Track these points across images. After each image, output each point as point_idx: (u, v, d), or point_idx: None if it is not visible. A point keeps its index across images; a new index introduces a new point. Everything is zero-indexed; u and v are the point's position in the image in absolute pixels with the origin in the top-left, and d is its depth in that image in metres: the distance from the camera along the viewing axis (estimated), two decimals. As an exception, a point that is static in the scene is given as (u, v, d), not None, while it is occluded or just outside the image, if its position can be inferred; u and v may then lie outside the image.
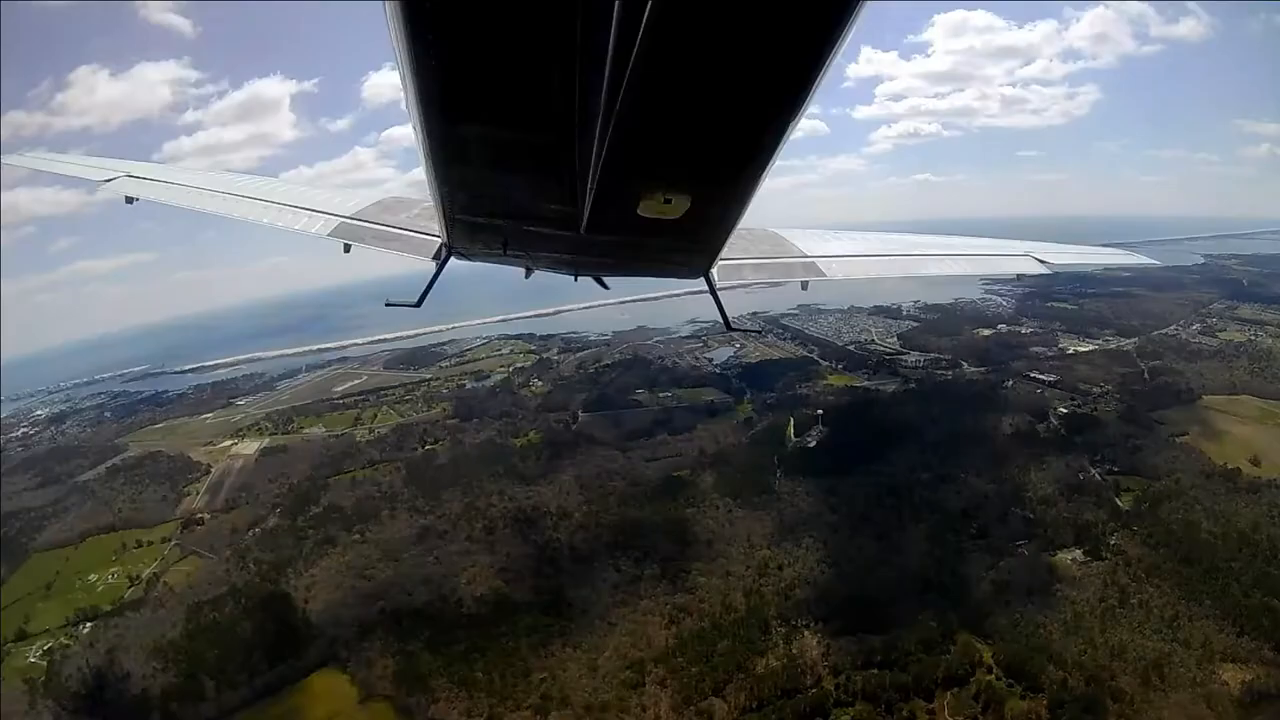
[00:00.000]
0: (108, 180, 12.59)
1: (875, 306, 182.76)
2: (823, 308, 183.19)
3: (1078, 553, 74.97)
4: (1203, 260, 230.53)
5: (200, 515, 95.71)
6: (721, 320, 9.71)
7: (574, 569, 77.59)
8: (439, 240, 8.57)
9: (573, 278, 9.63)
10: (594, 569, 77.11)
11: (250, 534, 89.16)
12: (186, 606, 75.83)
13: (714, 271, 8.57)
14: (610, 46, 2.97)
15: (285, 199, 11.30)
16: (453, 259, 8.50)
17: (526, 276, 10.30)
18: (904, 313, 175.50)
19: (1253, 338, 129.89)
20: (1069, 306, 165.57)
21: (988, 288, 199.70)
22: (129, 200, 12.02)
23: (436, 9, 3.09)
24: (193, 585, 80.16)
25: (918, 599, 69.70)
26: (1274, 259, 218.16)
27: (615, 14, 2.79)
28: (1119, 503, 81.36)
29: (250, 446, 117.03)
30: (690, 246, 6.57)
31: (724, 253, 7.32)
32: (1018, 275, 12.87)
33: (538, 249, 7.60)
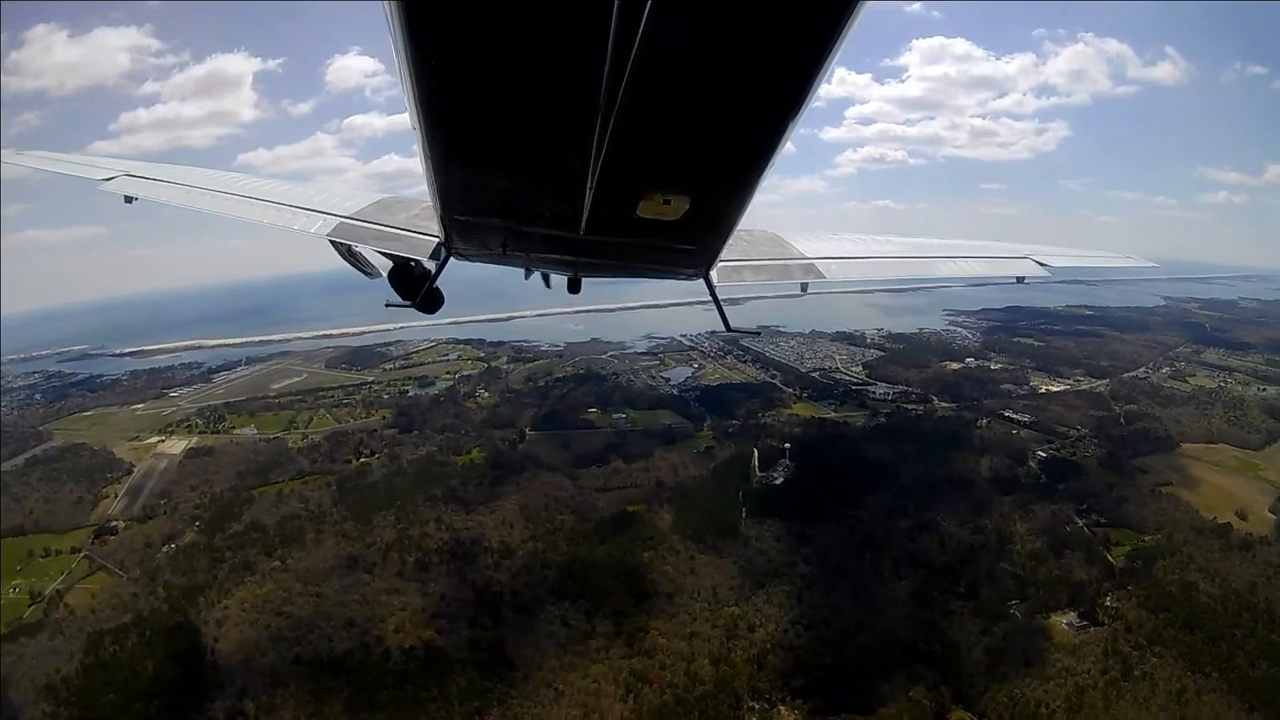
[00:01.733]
0: (107, 179, 12.10)
1: (838, 332, 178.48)
2: (783, 330, 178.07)
3: (1073, 615, 69.99)
4: (1164, 302, 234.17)
5: (115, 523, 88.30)
6: (721, 321, 9.59)
7: (516, 620, 68.36)
8: (438, 240, 8.63)
9: (523, 276, 10.01)
10: (539, 621, 68.00)
11: (164, 550, 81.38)
12: (87, 635, 67.02)
13: (713, 273, 8.30)
14: (609, 46, 2.94)
15: (285, 199, 10.89)
16: (452, 259, 8.31)
17: (526, 277, 10.41)
18: (868, 340, 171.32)
19: (1223, 384, 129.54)
20: (1036, 343, 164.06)
21: (951, 319, 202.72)
22: (128, 200, 11.71)
23: (437, 9, 3.07)
24: (96, 608, 71.66)
25: (905, 669, 61.96)
26: (1231, 304, 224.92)
27: (614, 14, 2.77)
28: (1111, 559, 77.07)
29: (177, 445, 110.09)
30: (689, 248, 6.46)
31: (723, 254, 7.33)
32: (1018, 278, 11.76)
33: (537, 250, 7.34)
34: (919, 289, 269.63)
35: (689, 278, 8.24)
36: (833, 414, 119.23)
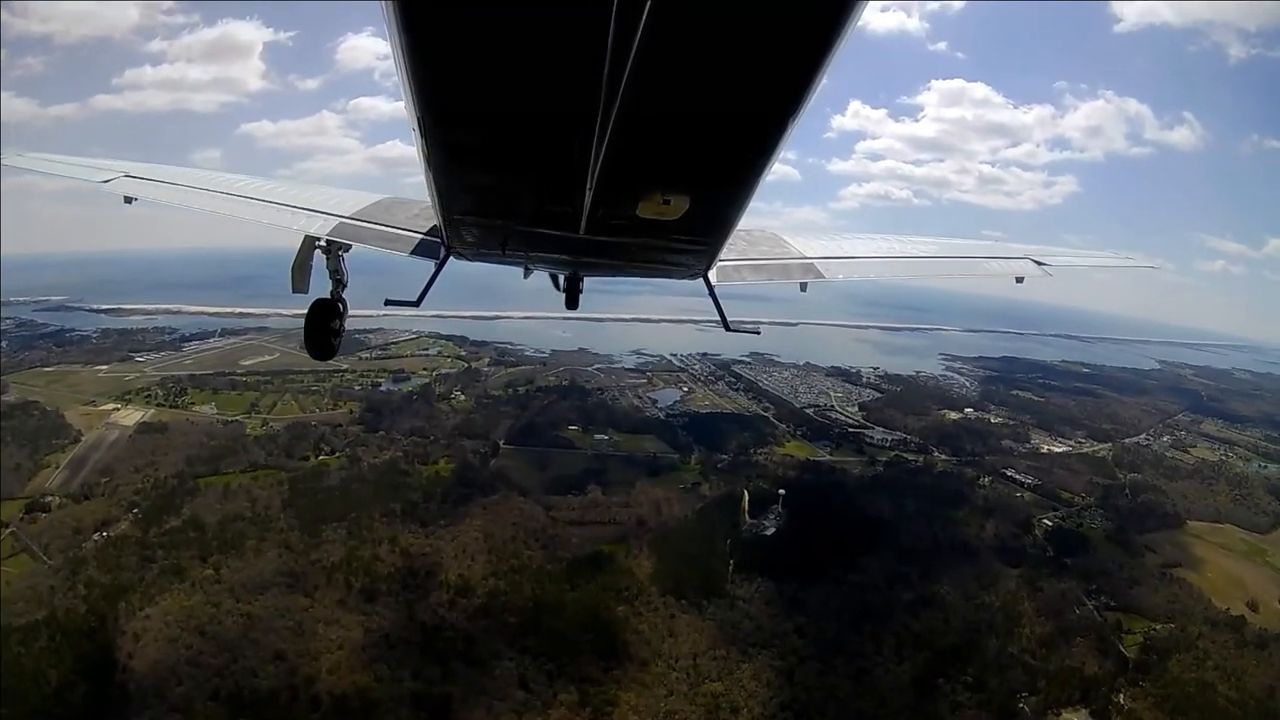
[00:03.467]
0: (106, 180, 11.33)
1: (833, 367, 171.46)
2: (776, 359, 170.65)
3: (1085, 714, 65.41)
4: (1158, 365, 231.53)
5: (49, 498, 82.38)
6: (720, 321, 9.13)
7: (467, 674, 60.74)
8: (438, 240, 8.59)
9: (522, 275, 9.92)
10: (493, 679, 60.45)
11: (95, 538, 75.44)
12: (-3, 629, 59.83)
13: (713, 273, 8.36)
14: (609, 46, 2.93)
15: (285, 199, 10.63)
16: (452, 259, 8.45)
17: (526, 276, 10.29)
18: (864, 379, 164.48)
19: (1224, 458, 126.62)
20: (1035, 398, 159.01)
21: (948, 364, 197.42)
22: (127, 200, 11.16)
23: (436, 8, 3.08)
24: (9, 598, 64.99)
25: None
26: (1225, 374, 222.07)
27: (614, 13, 2.76)
28: (1123, 650, 72.60)
29: (131, 416, 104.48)
30: (689, 247, 6.45)
31: (723, 254, 7.45)
32: (1017, 279, 11.20)
33: (536, 250, 7.42)
34: (916, 329, 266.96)
35: (689, 277, 8.24)
36: (828, 457, 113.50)
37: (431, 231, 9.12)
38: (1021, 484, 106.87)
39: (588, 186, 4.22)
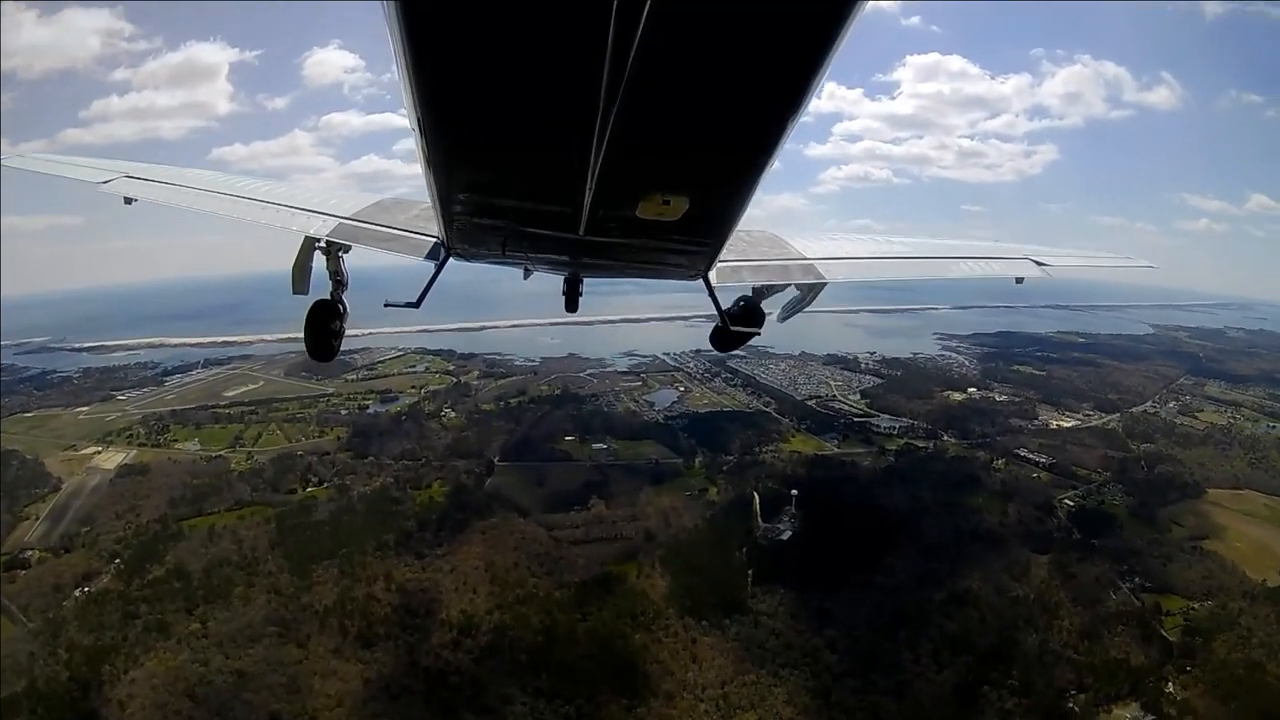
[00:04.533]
0: (106, 181, 11.37)
1: (829, 355, 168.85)
2: (771, 351, 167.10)
3: (1135, 708, 62.31)
4: (1152, 330, 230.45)
5: (29, 553, 79.29)
6: (721, 321, 9.59)
7: (479, 724, 55.36)
8: (438, 241, 8.62)
9: (522, 276, 9.87)
10: (507, 728, 55.11)
11: (76, 595, 72.01)
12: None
13: (712, 273, 8.00)
14: (609, 46, 2.93)
15: (284, 199, 10.64)
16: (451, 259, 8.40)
17: (525, 277, 9.94)
18: (862, 365, 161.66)
19: (1233, 421, 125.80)
20: (1036, 372, 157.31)
21: (944, 343, 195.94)
22: (128, 201, 11.12)
23: (435, 9, 3.07)
24: None
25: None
26: (1219, 334, 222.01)
27: (613, 14, 2.75)
28: (1165, 634, 69.78)
29: (113, 459, 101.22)
30: (689, 248, 6.45)
31: (722, 254, 7.34)
32: (1017, 279, 11.12)
33: (536, 250, 7.35)
34: (906, 310, 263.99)
35: (689, 278, 8.02)
36: (836, 449, 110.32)
37: (431, 232, 9.10)
38: (1036, 463, 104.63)
39: (587, 187, 4.20)
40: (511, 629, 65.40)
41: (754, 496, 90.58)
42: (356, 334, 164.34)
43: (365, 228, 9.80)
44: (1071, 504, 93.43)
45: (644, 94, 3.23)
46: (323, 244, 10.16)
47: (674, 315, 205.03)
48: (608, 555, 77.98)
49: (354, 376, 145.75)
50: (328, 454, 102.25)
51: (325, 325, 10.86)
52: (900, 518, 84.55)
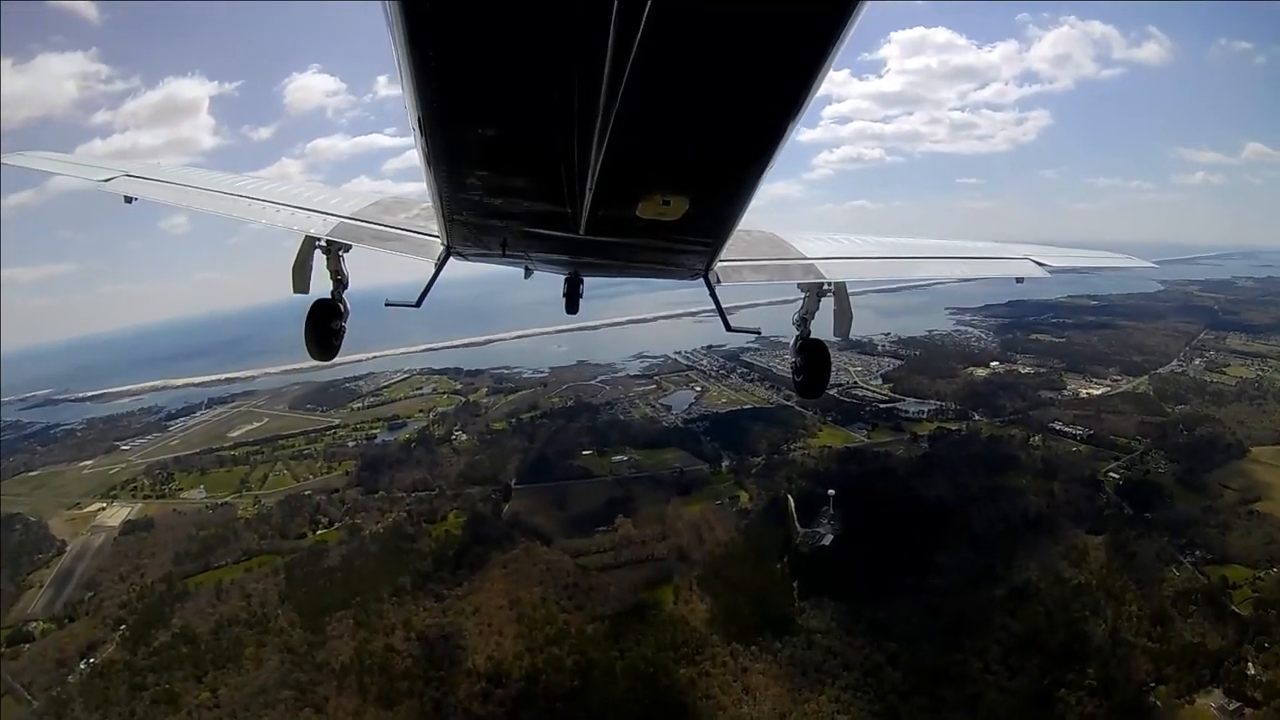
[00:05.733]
0: (107, 180, 11.29)
1: (843, 340, 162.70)
2: (783, 340, 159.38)
3: (1219, 694, 59.08)
4: (1162, 287, 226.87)
5: (32, 625, 77.42)
6: (721, 321, 9.32)
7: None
8: (438, 241, 8.16)
9: (523, 276, 9.72)
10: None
11: (81, 668, 69.30)
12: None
13: (713, 273, 8.10)
14: (609, 46, 2.92)
15: (284, 199, 10.60)
16: (451, 260, 8.29)
17: (526, 277, 9.71)
18: (879, 348, 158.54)
19: (1262, 373, 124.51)
20: (1056, 340, 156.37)
21: (957, 318, 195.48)
22: (128, 200, 11.18)
23: (436, 9, 3.06)
24: None
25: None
26: (1228, 285, 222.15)
27: (614, 14, 2.75)
28: (1236, 609, 66.57)
29: (117, 515, 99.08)
30: (689, 248, 6.33)
31: (723, 254, 7.29)
32: (1017, 279, 10.90)
33: (537, 250, 7.18)
34: (913, 288, 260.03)
35: (689, 278, 7.98)
36: (866, 440, 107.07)
37: (431, 232, 8.88)
38: (1073, 436, 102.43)
39: (588, 187, 4.18)
40: (544, 673, 61.50)
41: (788, 500, 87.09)
42: (359, 359, 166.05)
43: (365, 227, 9.78)
44: (1117, 477, 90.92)
45: (644, 94, 3.19)
46: (323, 243, 10.06)
47: (681, 312, 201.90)
48: (640, 580, 74.30)
49: (360, 405, 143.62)
50: (336, 491, 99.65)
51: (325, 324, 10.58)
52: (944, 509, 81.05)
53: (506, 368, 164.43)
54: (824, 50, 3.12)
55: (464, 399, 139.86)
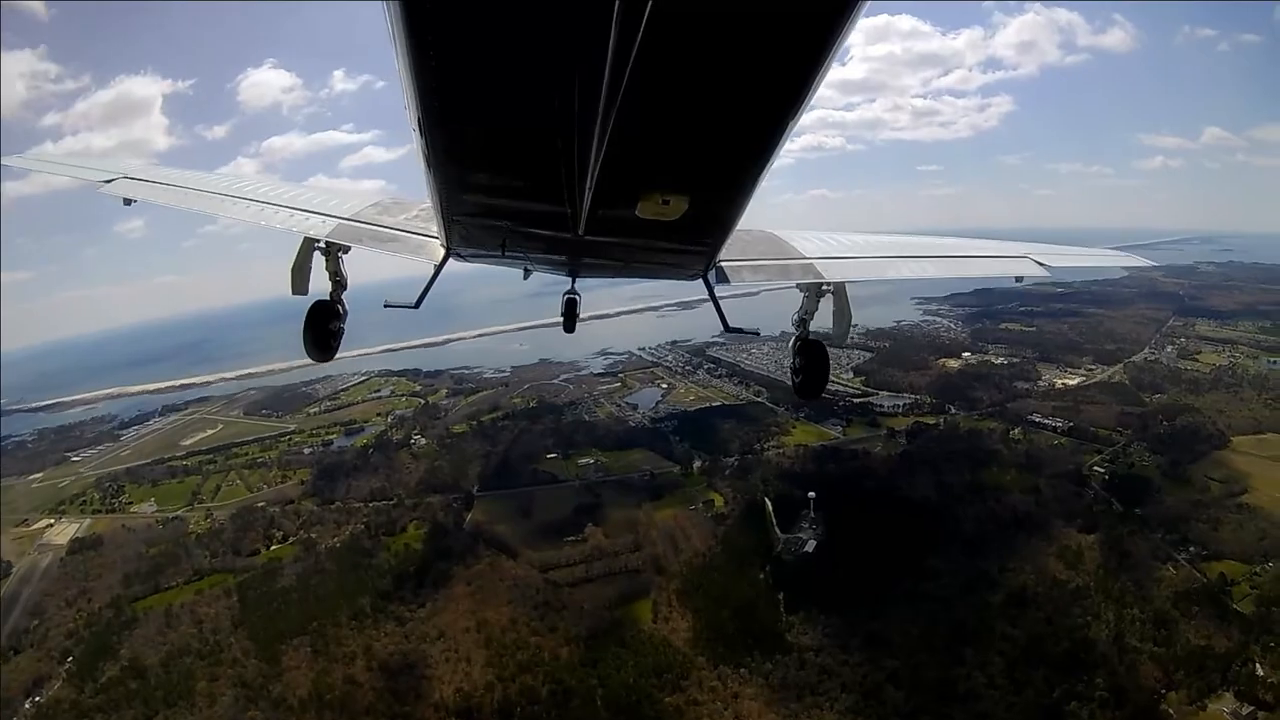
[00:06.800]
0: (107, 180, 11.43)
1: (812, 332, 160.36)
2: (750, 336, 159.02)
3: (1230, 698, 57.29)
4: (1125, 273, 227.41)
5: None
6: (720, 321, 9.74)
7: None
8: (437, 242, 8.44)
9: (522, 277, 10.30)
10: None
11: (27, 708, 64.92)
12: None
13: (712, 273, 8.26)
14: (610, 47, 2.94)
15: (283, 200, 10.49)
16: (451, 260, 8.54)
17: (525, 278, 10.50)
18: (848, 340, 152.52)
19: (1233, 359, 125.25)
20: (1026, 329, 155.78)
21: (924, 308, 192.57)
22: (127, 202, 11.30)
23: (437, 10, 3.09)
24: None
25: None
26: (1191, 270, 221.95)
27: (615, 15, 2.77)
28: (1239, 608, 65.27)
29: (65, 532, 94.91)
30: (688, 248, 6.55)
31: (721, 254, 7.35)
32: (1017, 278, 10.89)
33: (536, 250, 7.54)
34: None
35: (688, 278, 8.36)
36: (841, 436, 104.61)
37: (431, 232, 8.86)
38: (1053, 429, 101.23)
39: (587, 187, 4.19)
40: (519, 706, 56.94)
41: (766, 503, 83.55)
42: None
43: (365, 228, 9.67)
44: (1102, 470, 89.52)
45: (645, 94, 3.20)
46: (322, 244, 9.92)
47: (644, 307, 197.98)
48: (614, 595, 70.36)
49: (316, 409, 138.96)
50: (291, 503, 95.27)
51: (324, 325, 10.41)
52: (931, 510, 78.78)
53: (466, 368, 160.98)
54: (824, 51, 3.12)
55: (423, 401, 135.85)
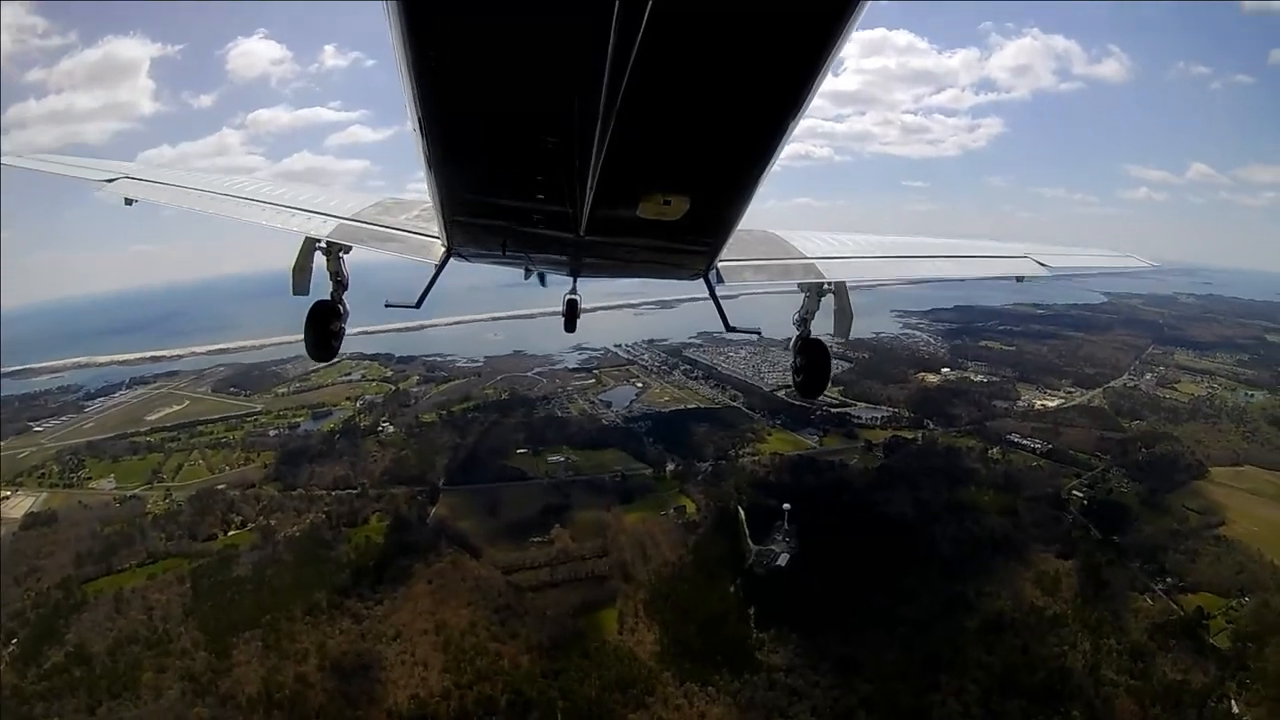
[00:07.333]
0: (109, 181, 11.43)
1: (789, 339, 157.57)
2: (729, 338, 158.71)
3: None
4: (1105, 298, 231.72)
5: None
6: (721, 321, 9.79)
7: None
8: (438, 242, 8.46)
9: (523, 276, 10.45)
10: None
11: None
12: None
13: (713, 273, 8.27)
14: (610, 48, 2.95)
15: (284, 200, 10.50)
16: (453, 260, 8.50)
17: (526, 278, 10.62)
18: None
19: (1212, 390, 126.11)
20: (1005, 348, 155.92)
21: (903, 321, 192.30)
22: (128, 202, 11.14)
23: (437, 10, 3.09)
24: None
25: None
26: (1171, 300, 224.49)
27: (615, 15, 2.78)
28: (1214, 642, 64.74)
29: (21, 505, 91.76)
30: (689, 248, 6.53)
31: (722, 254, 7.30)
32: (1017, 278, 11.04)
33: (537, 250, 7.52)
34: (856, 286, 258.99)
35: (689, 278, 8.32)
36: (818, 446, 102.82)
37: (431, 232, 8.85)
38: (1032, 450, 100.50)
39: (588, 187, 4.21)
40: (475, 715, 54.29)
41: (739, 513, 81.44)
42: (289, 340, 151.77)
43: (365, 228, 9.66)
44: (1081, 495, 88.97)
45: (646, 94, 3.20)
46: (323, 244, 10.07)
47: (622, 303, 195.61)
48: (579, 601, 67.76)
49: (285, 390, 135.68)
50: (253, 486, 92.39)
51: (325, 326, 10.55)
52: (908, 527, 77.16)
53: (440, 355, 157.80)
54: (824, 51, 3.10)
55: (394, 387, 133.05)
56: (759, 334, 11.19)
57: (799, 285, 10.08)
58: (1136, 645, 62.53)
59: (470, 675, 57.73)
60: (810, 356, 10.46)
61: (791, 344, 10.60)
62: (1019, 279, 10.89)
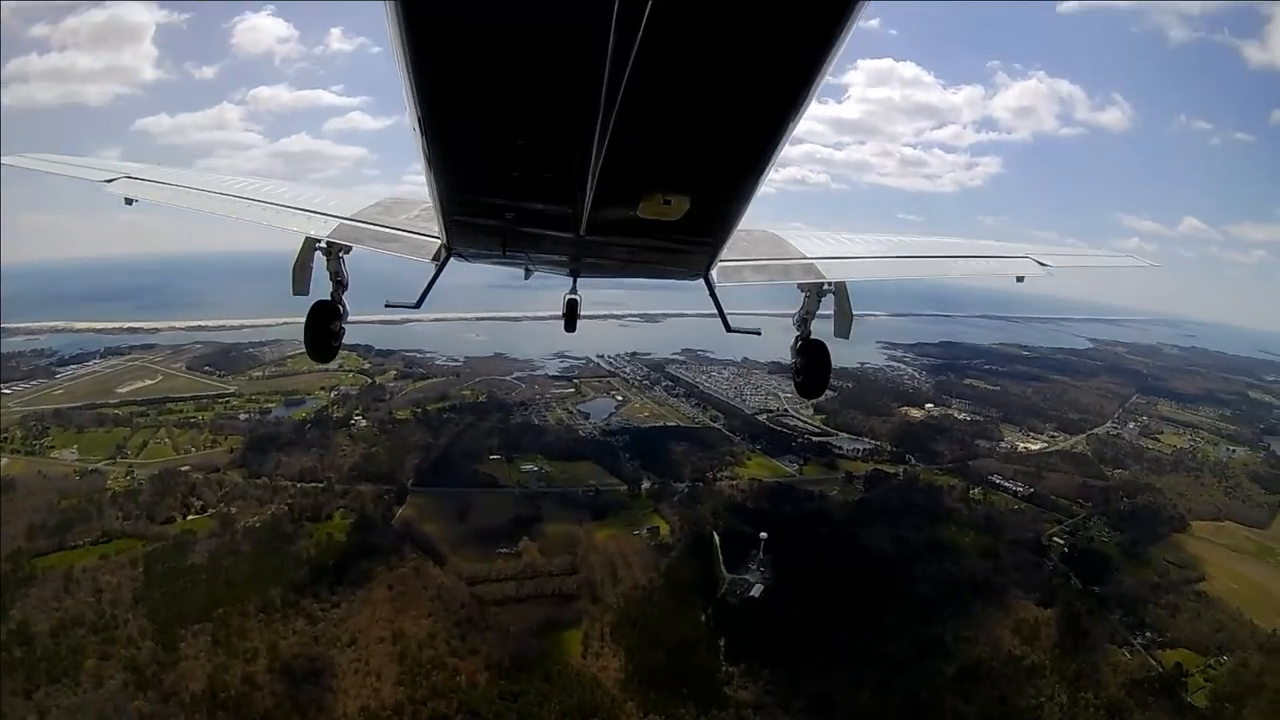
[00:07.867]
0: (109, 180, 11.15)
1: (773, 363, 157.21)
2: (712, 356, 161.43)
3: None
4: (1090, 344, 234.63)
5: None
6: (721, 322, 9.35)
7: None
8: (439, 241, 8.40)
9: (523, 276, 10.30)
10: None
11: None
12: None
13: (713, 273, 8.17)
14: (610, 48, 2.97)
15: (285, 200, 10.46)
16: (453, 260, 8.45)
17: (526, 278, 10.52)
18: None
19: (1194, 443, 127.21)
20: (989, 387, 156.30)
21: (889, 353, 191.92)
22: (129, 201, 10.95)
23: (437, 10, 3.11)
24: None
25: None
26: (1156, 350, 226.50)
27: (615, 15, 2.79)
28: (1191, 700, 64.78)
29: None
30: (689, 248, 6.53)
31: (723, 254, 7.31)
32: (1018, 278, 10.89)
33: (537, 250, 7.53)
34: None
35: (689, 278, 8.27)
36: (798, 475, 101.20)
37: (432, 232, 8.78)
38: (1014, 493, 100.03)
39: (588, 187, 4.23)
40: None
41: (714, 537, 79.72)
42: (269, 323, 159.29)
43: (365, 228, 9.63)
44: (1062, 542, 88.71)
45: (646, 94, 3.22)
46: (323, 244, 10.04)
47: (606, 314, 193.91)
48: (543, 619, 65.78)
49: (260, 373, 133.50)
50: (217, 471, 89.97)
51: (325, 326, 10.54)
52: (887, 564, 75.90)
53: (419, 351, 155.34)
54: (824, 50, 3.10)
55: (370, 380, 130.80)
56: (759, 334, 10.69)
57: (799, 285, 10.05)
58: (1114, 700, 61.92)
59: (425, 690, 55.44)
60: (810, 357, 10.38)
61: (791, 344, 10.54)
62: (1019, 279, 10.84)
